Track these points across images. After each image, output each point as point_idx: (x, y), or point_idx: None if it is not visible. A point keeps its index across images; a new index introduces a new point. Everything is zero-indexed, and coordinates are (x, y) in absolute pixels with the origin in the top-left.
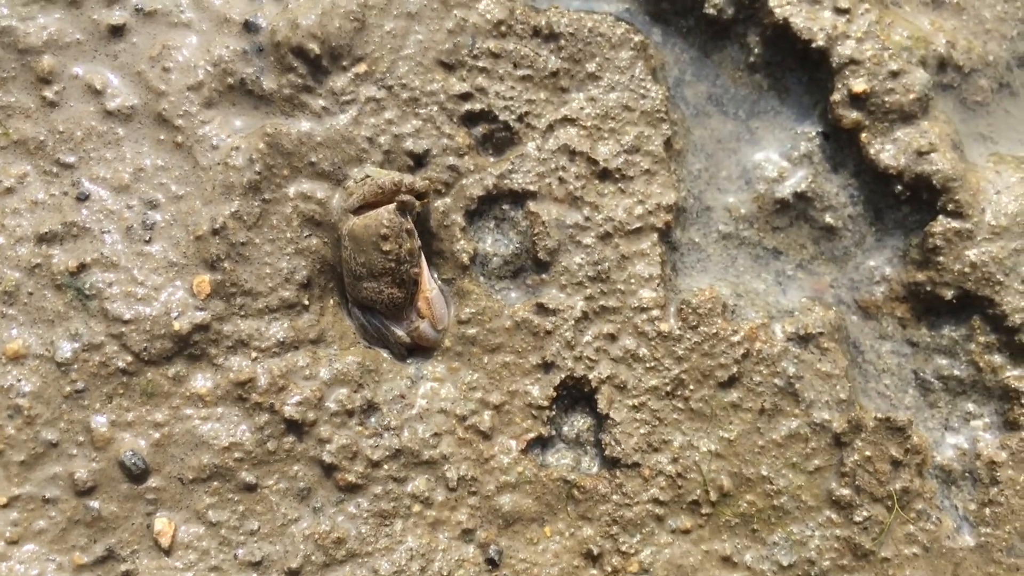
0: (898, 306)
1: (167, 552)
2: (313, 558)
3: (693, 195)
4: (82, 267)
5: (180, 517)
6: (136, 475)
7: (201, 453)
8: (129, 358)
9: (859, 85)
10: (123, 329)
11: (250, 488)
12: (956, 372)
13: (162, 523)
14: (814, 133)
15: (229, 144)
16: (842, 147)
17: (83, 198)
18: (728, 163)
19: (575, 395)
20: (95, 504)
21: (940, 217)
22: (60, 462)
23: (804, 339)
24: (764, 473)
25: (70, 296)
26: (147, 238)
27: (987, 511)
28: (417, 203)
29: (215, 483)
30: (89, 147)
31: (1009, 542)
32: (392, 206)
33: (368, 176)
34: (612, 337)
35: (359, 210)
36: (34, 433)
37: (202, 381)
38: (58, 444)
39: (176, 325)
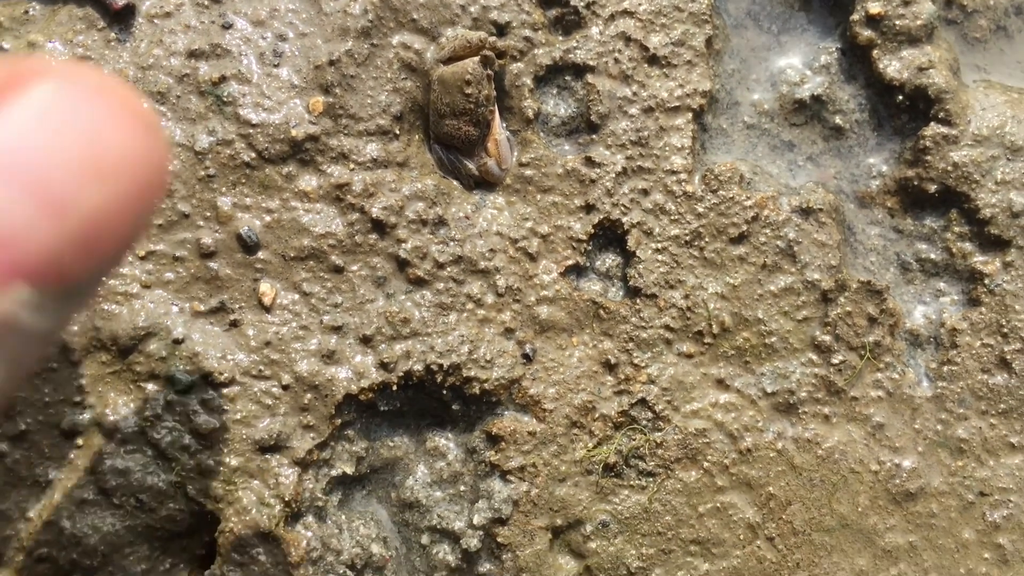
0: (889, 198)
1: (267, 310)
2: (383, 331)
3: (726, 90)
4: (222, 79)
5: (280, 285)
6: (249, 247)
7: (302, 237)
8: (253, 155)
9: (875, 8)
10: (250, 131)
11: (338, 270)
12: (932, 256)
13: (266, 287)
14: (834, 48)
15: None
16: (856, 62)
17: (227, 26)
18: (758, 68)
19: (609, 236)
20: (214, 266)
21: (932, 124)
22: (190, 230)
23: (806, 212)
24: (760, 316)
25: (210, 101)
26: (276, 63)
27: (945, 369)
28: (497, 60)
29: (311, 262)
30: None
31: (961, 395)
32: (477, 59)
33: (459, 34)
34: (645, 192)
35: (449, 61)
36: (172, 204)
37: (308, 180)
38: (189, 216)
39: (293, 132)
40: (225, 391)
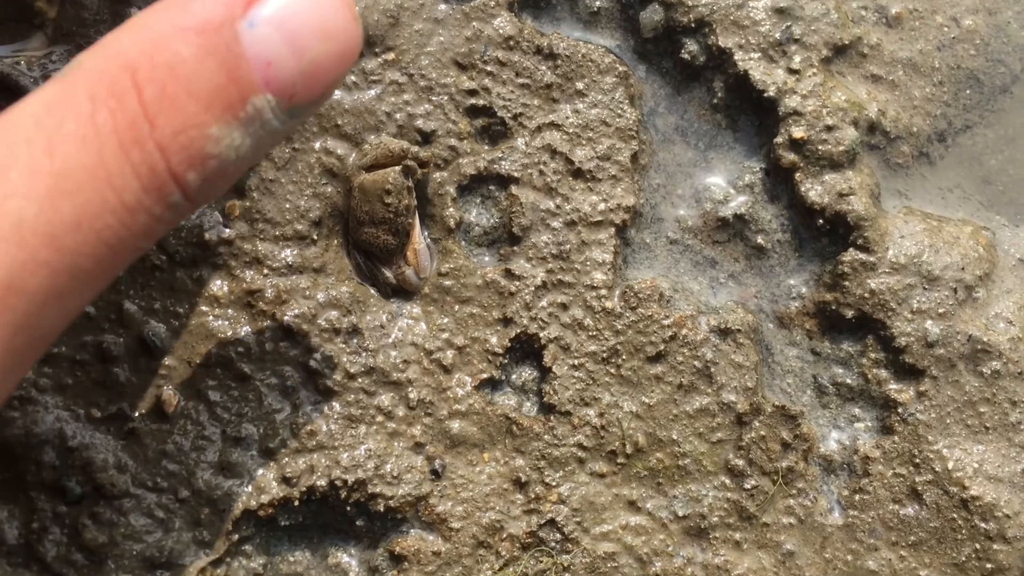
0: (808, 320)
1: (168, 418)
2: (288, 443)
3: (650, 204)
4: None
5: (183, 392)
6: (153, 352)
7: (209, 343)
8: (164, 257)
9: (799, 133)
10: None
11: (245, 378)
12: (848, 380)
13: (168, 394)
14: (758, 168)
15: None
16: (779, 183)
17: None
18: (684, 183)
19: (526, 349)
20: (116, 371)
21: (850, 250)
22: (93, 332)
23: (724, 332)
24: (674, 437)
25: None
26: None
27: (857, 497)
28: (419, 170)
29: (217, 370)
30: None
31: (872, 525)
32: (398, 168)
33: (382, 142)
34: (564, 306)
35: (370, 168)
36: None
37: (219, 285)
38: (93, 318)
39: (206, 236)
40: (117, 503)
